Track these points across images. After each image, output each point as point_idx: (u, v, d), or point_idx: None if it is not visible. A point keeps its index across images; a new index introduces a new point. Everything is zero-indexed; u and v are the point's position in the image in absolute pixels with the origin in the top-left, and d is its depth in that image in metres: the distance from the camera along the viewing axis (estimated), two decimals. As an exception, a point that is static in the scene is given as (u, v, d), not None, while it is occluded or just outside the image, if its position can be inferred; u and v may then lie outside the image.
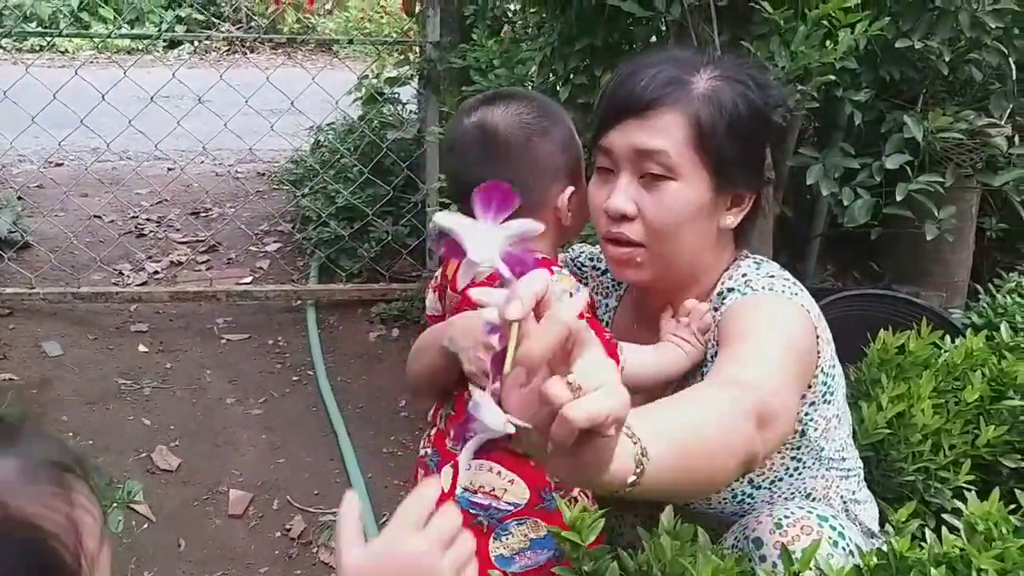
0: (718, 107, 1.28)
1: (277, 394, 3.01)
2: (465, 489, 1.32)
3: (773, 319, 1.27)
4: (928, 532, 1.20)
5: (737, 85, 1.31)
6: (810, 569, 1.10)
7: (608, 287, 1.60)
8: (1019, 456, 1.69)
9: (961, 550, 1.14)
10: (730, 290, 1.35)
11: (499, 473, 1.32)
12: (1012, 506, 1.23)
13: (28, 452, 0.64)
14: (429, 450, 1.42)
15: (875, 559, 1.15)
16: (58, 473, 0.63)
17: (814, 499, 1.42)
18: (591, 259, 1.63)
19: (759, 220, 1.47)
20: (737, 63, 1.41)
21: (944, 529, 1.19)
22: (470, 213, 0.79)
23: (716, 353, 1.30)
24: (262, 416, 2.88)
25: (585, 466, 0.79)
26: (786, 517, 1.19)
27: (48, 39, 9.11)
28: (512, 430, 0.77)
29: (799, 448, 1.37)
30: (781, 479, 1.38)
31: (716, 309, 1.35)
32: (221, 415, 2.87)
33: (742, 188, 1.35)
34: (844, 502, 1.46)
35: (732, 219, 1.36)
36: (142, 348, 3.22)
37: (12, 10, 9.56)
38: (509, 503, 1.32)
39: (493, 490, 1.32)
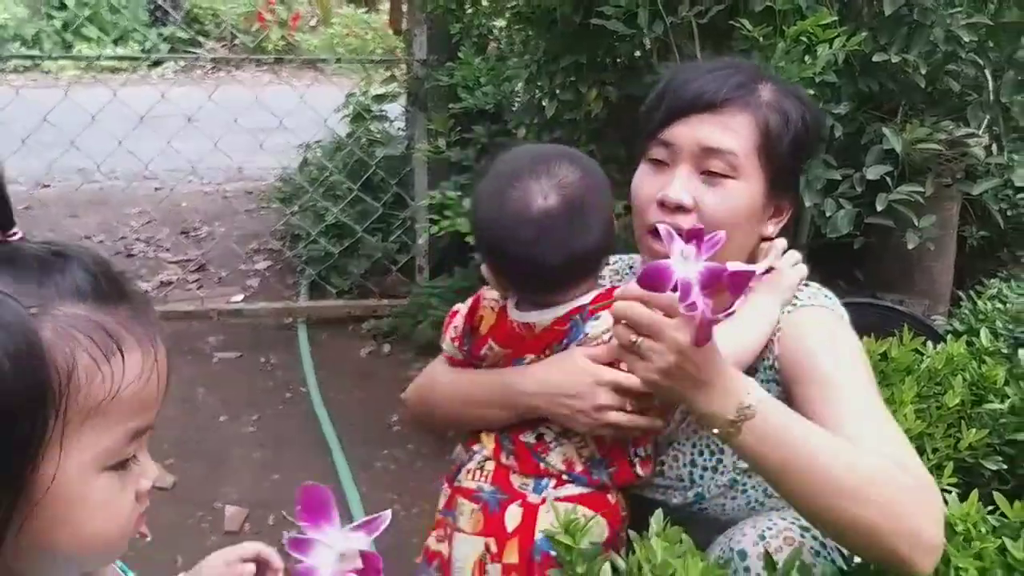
0: (784, 117, 1.33)
1: (270, 411, 3.03)
2: (543, 532, 1.31)
3: (854, 355, 1.28)
4: None
5: (796, 100, 1.36)
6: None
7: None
8: (1000, 458, 1.71)
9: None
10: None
11: (585, 515, 1.29)
12: (991, 507, 1.26)
13: (119, 313, 0.76)
14: (487, 486, 1.38)
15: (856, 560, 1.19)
16: (107, 337, 0.74)
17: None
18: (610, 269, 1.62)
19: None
20: (783, 79, 1.47)
21: None
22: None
23: (773, 367, 1.33)
24: (255, 433, 2.90)
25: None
26: (768, 529, 1.22)
27: (35, 60, 9.12)
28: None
29: None
30: None
31: None
32: (215, 433, 2.89)
33: (785, 200, 1.38)
34: None
35: (772, 228, 1.38)
36: (134, 368, 3.23)
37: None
38: (593, 543, 1.33)
39: None
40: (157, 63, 9.84)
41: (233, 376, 3.24)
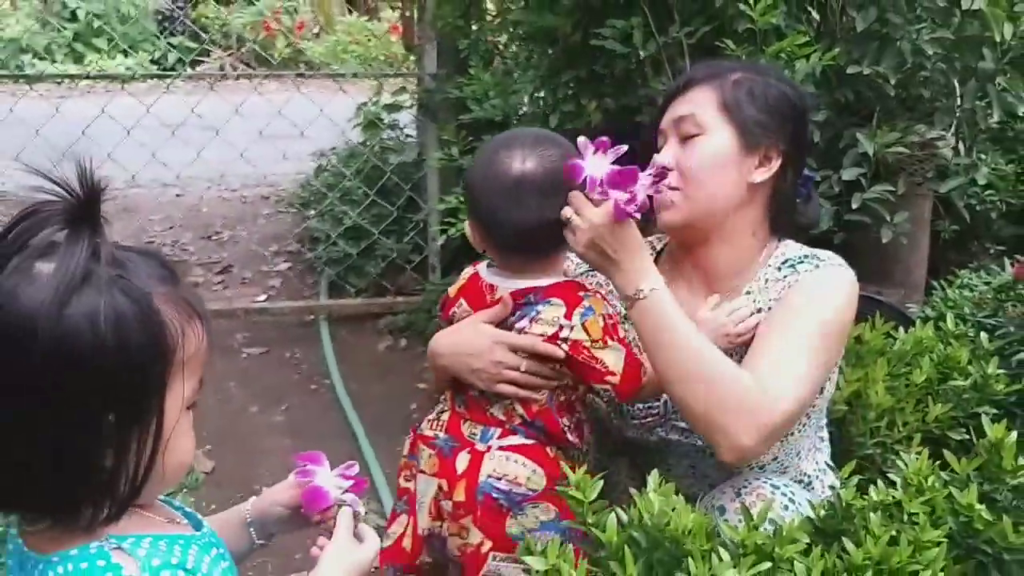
0: (745, 87, 1.56)
1: (297, 402, 3.24)
2: (489, 476, 1.52)
3: (825, 296, 1.51)
4: (872, 488, 1.43)
5: (765, 76, 1.60)
6: (768, 523, 1.29)
7: None
8: (963, 430, 1.89)
9: (894, 498, 1.36)
10: (804, 257, 1.58)
11: (524, 464, 1.53)
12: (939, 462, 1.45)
13: (179, 289, 0.98)
14: (441, 434, 1.58)
15: (822, 510, 1.38)
16: (189, 308, 0.98)
17: (801, 457, 1.63)
18: None
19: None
20: (765, 66, 1.76)
21: (880, 483, 1.42)
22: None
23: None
24: (284, 423, 3.11)
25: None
26: (744, 487, 1.43)
27: (41, 71, 9.32)
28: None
29: (810, 410, 1.60)
30: (793, 433, 1.59)
31: (782, 276, 1.57)
32: (247, 423, 3.11)
33: (766, 146, 1.56)
34: (818, 469, 1.67)
35: (760, 176, 1.56)
36: (170, 364, 3.44)
37: (7, 43, 9.80)
38: (530, 489, 1.52)
39: (516, 478, 1.52)
40: (166, 71, 10.06)
41: (261, 370, 3.46)
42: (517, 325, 1.54)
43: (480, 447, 1.55)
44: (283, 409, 3.20)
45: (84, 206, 0.93)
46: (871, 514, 1.32)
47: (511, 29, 3.14)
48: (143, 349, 0.92)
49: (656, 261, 1.73)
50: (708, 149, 1.55)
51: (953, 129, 2.63)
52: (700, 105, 1.56)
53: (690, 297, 1.63)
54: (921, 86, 2.60)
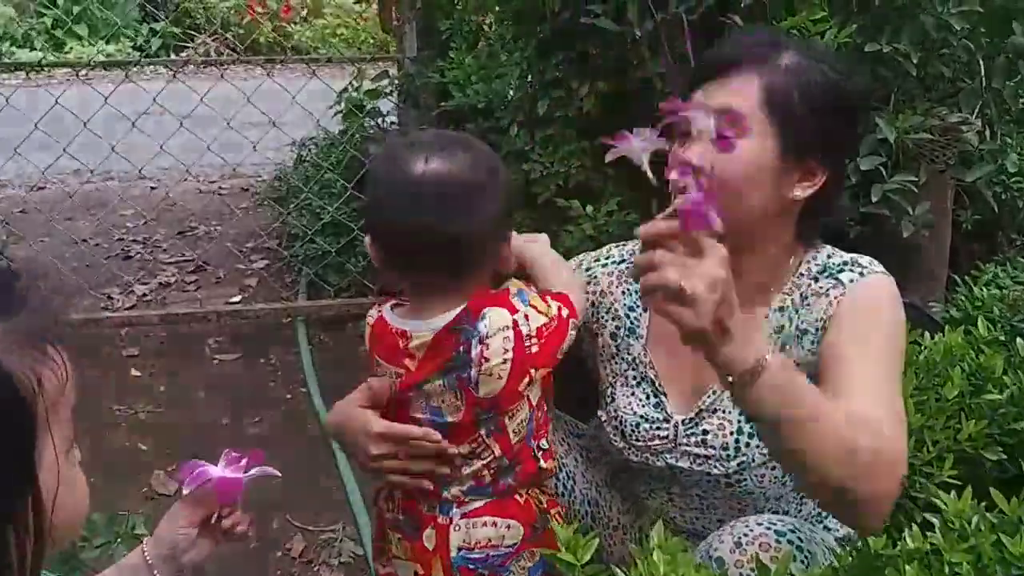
0: (795, 77, 1.34)
1: (271, 412, 3.05)
2: (460, 549, 1.36)
3: (888, 312, 1.38)
4: (907, 530, 1.25)
5: (819, 64, 1.37)
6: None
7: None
8: (1000, 448, 1.72)
9: (932, 545, 1.19)
10: (843, 265, 1.42)
11: (495, 524, 1.37)
12: (984, 503, 1.27)
13: (18, 320, 0.81)
14: (400, 516, 1.43)
15: (849, 558, 1.20)
16: (35, 340, 0.80)
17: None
18: (596, 261, 1.62)
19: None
20: (816, 46, 1.50)
21: (915, 527, 1.24)
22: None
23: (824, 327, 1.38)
24: (257, 436, 2.92)
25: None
26: (745, 536, 1.25)
27: (16, 58, 9.10)
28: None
29: None
30: None
31: (823, 289, 1.40)
32: (217, 436, 2.90)
33: (812, 161, 1.36)
34: None
35: (801, 192, 1.37)
36: (135, 372, 3.25)
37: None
38: (508, 546, 1.37)
39: (490, 541, 1.37)
40: (147, 57, 9.84)
41: (233, 378, 3.26)
42: (470, 370, 1.31)
43: (442, 520, 1.38)
44: (256, 420, 3.00)
45: None
46: (906, 566, 1.14)
47: (496, 8, 2.93)
48: None
49: None
50: (748, 156, 1.31)
51: (978, 111, 2.44)
52: (742, 97, 1.33)
53: None
54: (942, 65, 2.40)
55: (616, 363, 1.54)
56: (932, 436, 1.71)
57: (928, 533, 1.20)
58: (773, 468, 1.42)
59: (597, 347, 1.57)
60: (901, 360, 1.38)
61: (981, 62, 2.41)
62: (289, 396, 3.14)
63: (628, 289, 1.56)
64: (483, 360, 1.29)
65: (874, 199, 2.26)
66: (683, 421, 1.46)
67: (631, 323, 1.53)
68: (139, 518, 1.74)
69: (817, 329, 1.39)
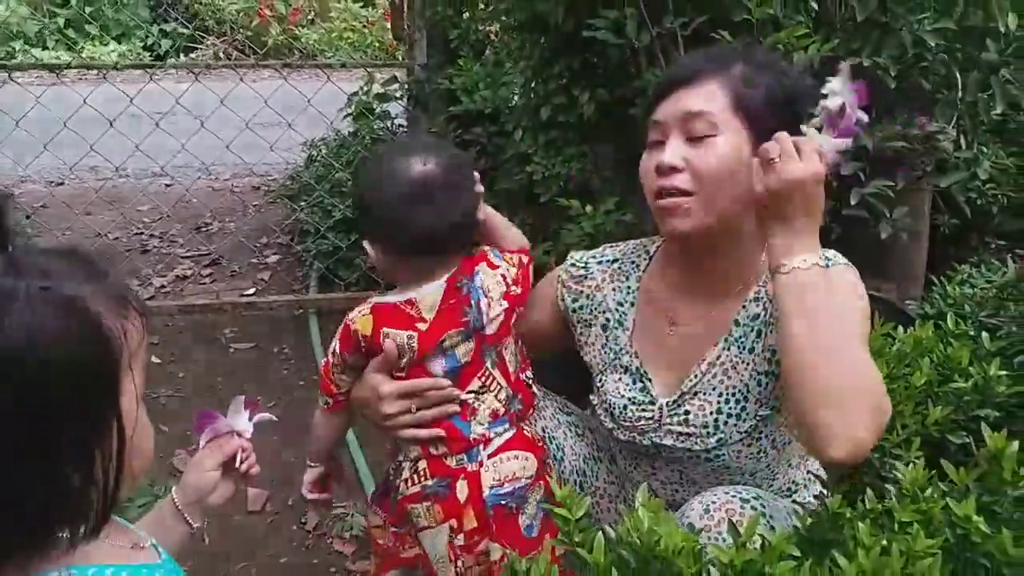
0: (753, 83, 1.47)
1: (286, 398, 3.20)
2: (491, 487, 1.52)
3: (855, 294, 1.51)
4: (863, 497, 1.38)
5: (771, 70, 1.51)
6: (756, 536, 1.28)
7: (625, 270, 1.71)
8: (964, 433, 1.82)
9: (885, 508, 1.32)
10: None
11: (516, 456, 1.55)
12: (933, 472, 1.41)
13: (109, 285, 0.94)
14: (428, 482, 1.55)
15: (809, 519, 1.34)
16: (121, 300, 0.94)
17: (792, 466, 1.62)
18: (593, 258, 1.75)
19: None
20: (769, 54, 1.64)
21: (870, 491, 1.36)
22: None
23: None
24: (272, 421, 3.06)
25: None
26: (712, 503, 1.38)
27: (34, 58, 9.24)
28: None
29: None
30: (788, 442, 1.58)
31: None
32: (234, 419, 3.05)
33: None
34: (806, 478, 1.64)
35: None
36: (155, 359, 3.41)
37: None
38: (528, 477, 1.55)
39: (515, 474, 1.54)
40: (159, 58, 9.99)
41: (249, 365, 3.41)
42: (483, 318, 1.55)
43: (472, 467, 1.54)
44: (271, 405, 3.14)
45: None
46: (860, 523, 1.27)
47: (502, 18, 3.08)
48: (90, 359, 0.88)
49: (647, 267, 1.69)
50: (724, 150, 1.45)
51: (954, 121, 2.58)
52: (712, 101, 1.47)
53: (691, 306, 1.60)
54: (921, 77, 2.54)
55: (605, 352, 1.68)
56: (901, 421, 1.83)
57: (882, 497, 1.36)
58: (749, 445, 1.55)
59: (589, 336, 1.71)
60: (866, 341, 1.51)
61: (958, 75, 2.55)
62: (301, 383, 3.29)
63: (618, 286, 1.69)
64: (490, 307, 1.55)
65: (853, 202, 2.40)
66: (667, 403, 1.58)
67: (619, 316, 1.67)
68: (174, 483, 1.88)
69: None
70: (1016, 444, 1.43)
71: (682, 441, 1.57)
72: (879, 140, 2.40)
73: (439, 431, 1.54)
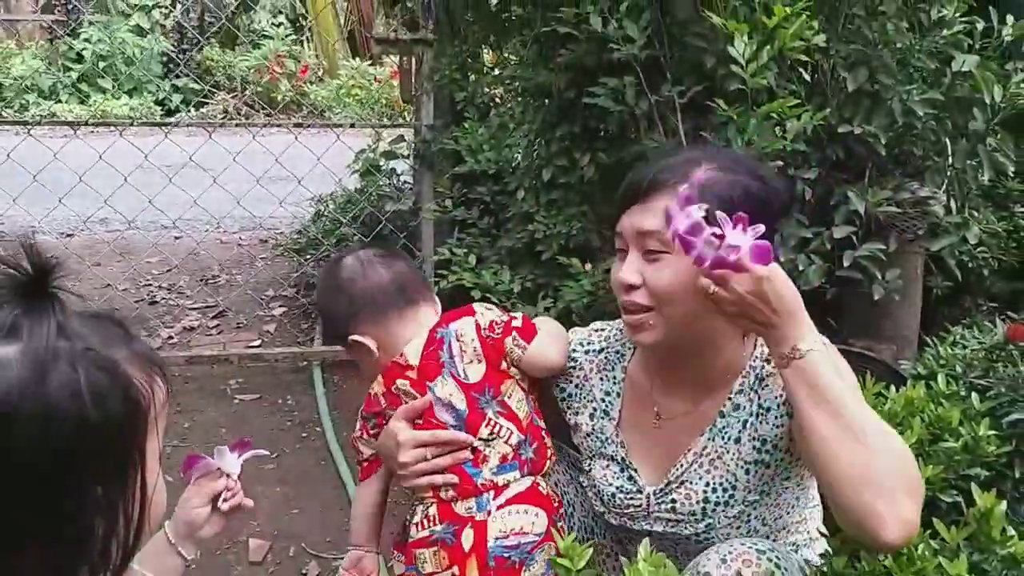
0: (709, 191, 1.43)
1: (288, 450, 3.22)
2: (497, 538, 1.56)
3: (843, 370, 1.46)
4: (862, 555, 1.42)
5: (733, 175, 1.48)
6: None
7: (611, 360, 1.72)
8: (955, 492, 1.85)
9: (885, 568, 1.36)
10: None
11: (525, 512, 1.58)
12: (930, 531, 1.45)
13: (139, 349, 1.01)
14: (437, 527, 1.60)
15: None
16: (150, 363, 1.01)
17: (789, 531, 1.63)
18: (581, 346, 1.76)
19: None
20: (736, 157, 1.61)
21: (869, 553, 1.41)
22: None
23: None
24: (275, 471, 3.09)
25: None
26: (729, 553, 1.40)
27: (46, 109, 9.42)
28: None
29: (804, 486, 1.62)
30: (779, 518, 1.61)
31: (776, 368, 1.44)
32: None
33: None
34: (809, 538, 1.66)
35: None
36: (161, 409, 3.44)
37: (12, 82, 9.91)
38: (536, 534, 1.58)
39: (522, 528, 1.57)
40: (169, 112, 10.19)
41: (253, 417, 3.44)
42: (456, 362, 1.64)
43: (480, 517, 1.58)
44: (274, 456, 3.18)
45: (36, 283, 0.93)
46: None
47: (507, 83, 3.18)
48: (123, 418, 0.93)
49: (632, 356, 1.72)
50: (676, 269, 1.44)
51: (944, 187, 2.65)
52: (662, 217, 1.42)
53: (675, 399, 1.62)
54: (912, 144, 2.63)
55: (592, 440, 1.71)
56: (892, 479, 1.90)
57: (880, 556, 1.39)
58: (738, 527, 1.56)
59: (579, 423, 1.74)
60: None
61: (947, 143, 2.62)
62: (305, 435, 3.33)
63: (605, 376, 1.71)
64: (462, 352, 1.64)
65: (845, 264, 2.46)
66: (654, 492, 1.60)
67: (606, 406, 1.70)
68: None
69: (779, 405, 1.50)
70: (1004, 504, 1.48)
71: (672, 527, 1.60)
72: (871, 204, 2.47)
73: (453, 477, 1.59)
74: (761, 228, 1.28)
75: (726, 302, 1.31)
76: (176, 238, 5.22)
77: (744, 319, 1.34)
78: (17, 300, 0.92)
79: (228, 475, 1.49)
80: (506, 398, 1.65)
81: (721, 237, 1.28)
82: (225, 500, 1.47)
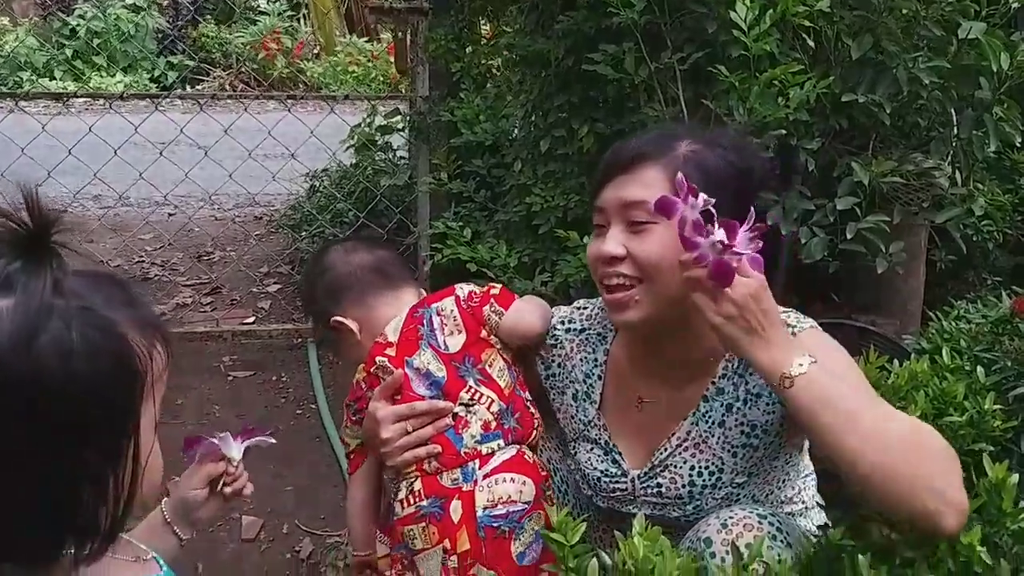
0: (696, 165, 1.43)
1: (282, 427, 3.19)
2: (484, 507, 1.52)
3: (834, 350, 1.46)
4: (865, 528, 1.39)
5: (716, 148, 1.48)
6: (757, 562, 1.29)
7: (592, 342, 1.69)
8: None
9: (893, 540, 1.32)
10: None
11: (512, 480, 1.54)
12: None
13: (140, 312, 0.98)
14: (423, 502, 1.56)
15: (812, 550, 1.35)
16: (151, 328, 0.98)
17: (782, 504, 1.60)
18: (562, 324, 1.72)
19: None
20: (717, 131, 1.58)
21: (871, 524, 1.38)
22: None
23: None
24: (269, 448, 3.04)
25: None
26: (730, 518, 1.37)
27: (40, 86, 9.34)
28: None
29: (794, 461, 1.60)
30: (770, 494, 1.58)
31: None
32: (230, 448, 3.05)
33: None
34: (805, 507, 1.64)
35: None
36: (154, 386, 3.41)
37: (6, 59, 9.82)
38: (525, 502, 1.54)
39: (510, 497, 1.53)
40: (164, 88, 10.10)
41: (247, 393, 3.42)
42: (436, 335, 1.63)
43: (467, 487, 1.54)
44: (268, 433, 3.14)
45: (35, 237, 0.89)
46: (860, 556, 1.28)
47: (504, 53, 3.12)
48: (116, 381, 0.90)
49: (614, 338, 1.68)
50: (665, 239, 1.41)
51: (949, 158, 2.61)
52: (652, 188, 1.42)
53: (657, 384, 1.59)
54: (917, 115, 2.58)
55: (575, 423, 1.69)
56: (897, 454, 1.87)
57: (885, 529, 1.36)
58: (728, 507, 1.49)
59: (562, 404, 1.71)
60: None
61: (953, 113, 2.57)
62: (299, 412, 3.30)
63: (586, 356, 1.68)
64: (443, 325, 1.63)
65: (849, 236, 2.41)
66: (638, 476, 1.58)
67: (587, 388, 1.67)
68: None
69: (770, 392, 1.46)
70: (1016, 476, 1.44)
71: (659, 510, 1.58)
72: (875, 176, 2.42)
73: (436, 446, 1.55)
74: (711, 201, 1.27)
75: (725, 301, 1.28)
76: (170, 214, 5.17)
77: (731, 325, 1.28)
78: (14, 253, 0.88)
79: (230, 460, 1.47)
80: (487, 367, 1.62)
81: (727, 246, 1.25)
82: (226, 484, 1.45)
